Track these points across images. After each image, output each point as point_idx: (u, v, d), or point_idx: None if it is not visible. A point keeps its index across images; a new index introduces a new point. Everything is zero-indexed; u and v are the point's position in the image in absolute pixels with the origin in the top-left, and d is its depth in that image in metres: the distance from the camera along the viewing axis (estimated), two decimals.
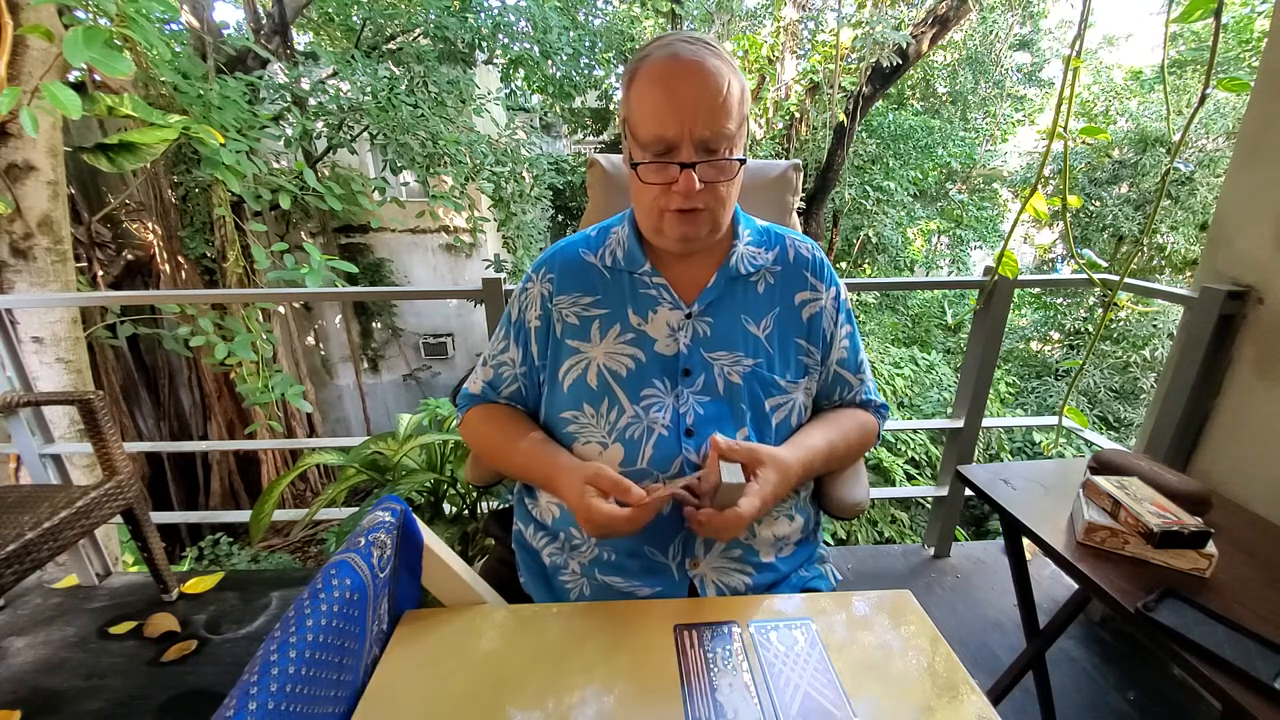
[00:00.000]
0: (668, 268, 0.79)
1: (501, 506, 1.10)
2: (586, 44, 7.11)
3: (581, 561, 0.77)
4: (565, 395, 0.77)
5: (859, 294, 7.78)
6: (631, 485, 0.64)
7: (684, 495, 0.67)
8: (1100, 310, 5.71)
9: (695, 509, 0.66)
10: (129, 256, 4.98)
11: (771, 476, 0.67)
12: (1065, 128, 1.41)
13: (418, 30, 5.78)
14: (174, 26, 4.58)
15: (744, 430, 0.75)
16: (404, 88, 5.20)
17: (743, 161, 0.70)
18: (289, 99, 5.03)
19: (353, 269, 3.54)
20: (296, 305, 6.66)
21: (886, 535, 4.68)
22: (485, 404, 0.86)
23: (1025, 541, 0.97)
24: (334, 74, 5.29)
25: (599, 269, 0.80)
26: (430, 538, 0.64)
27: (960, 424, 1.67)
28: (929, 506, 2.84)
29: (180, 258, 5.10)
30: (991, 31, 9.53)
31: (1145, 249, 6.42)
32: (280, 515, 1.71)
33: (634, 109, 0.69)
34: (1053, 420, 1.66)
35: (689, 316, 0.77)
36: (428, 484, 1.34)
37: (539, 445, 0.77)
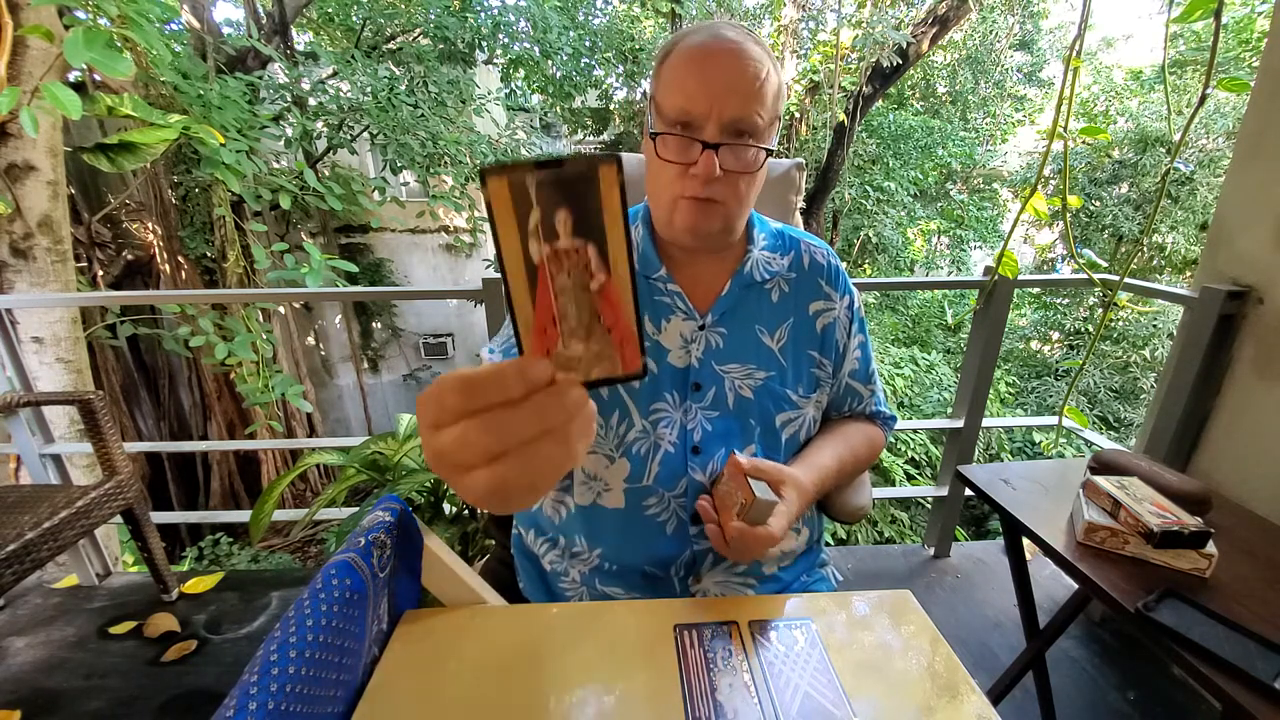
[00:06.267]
0: (681, 272, 0.75)
1: None
2: (586, 44, 7.10)
3: (582, 570, 0.76)
4: None
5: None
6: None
7: (707, 510, 0.65)
8: (1100, 310, 5.70)
9: (717, 525, 0.63)
10: (129, 256, 4.98)
11: (794, 498, 0.64)
12: (1065, 128, 1.41)
13: (418, 30, 5.78)
14: (174, 26, 4.58)
15: (751, 447, 0.73)
16: (404, 88, 5.20)
17: (770, 152, 0.66)
18: (289, 99, 5.04)
19: (353, 269, 3.53)
20: (296, 305, 6.64)
21: (886, 535, 4.68)
22: None
23: (1025, 541, 0.97)
24: (334, 74, 5.29)
25: None
26: (430, 538, 0.64)
27: (960, 424, 1.67)
28: (929, 506, 2.84)
29: (180, 258, 5.10)
30: (991, 31, 9.52)
31: (1145, 249, 6.41)
32: (280, 515, 1.71)
33: (663, 84, 0.65)
34: (1053, 420, 1.66)
35: (702, 328, 0.73)
36: (428, 484, 1.34)
37: None
